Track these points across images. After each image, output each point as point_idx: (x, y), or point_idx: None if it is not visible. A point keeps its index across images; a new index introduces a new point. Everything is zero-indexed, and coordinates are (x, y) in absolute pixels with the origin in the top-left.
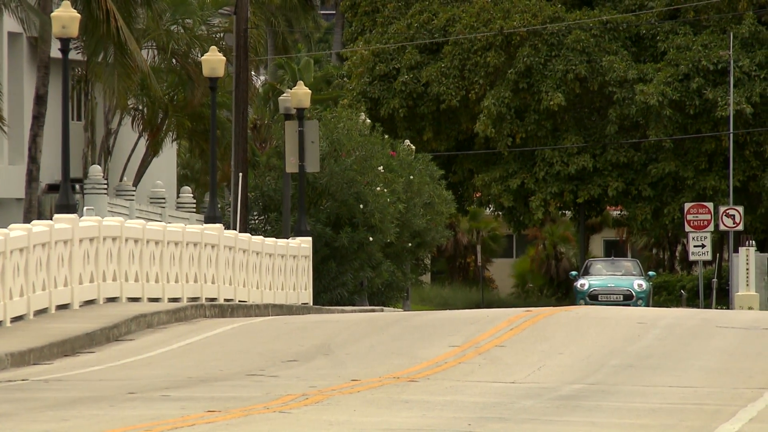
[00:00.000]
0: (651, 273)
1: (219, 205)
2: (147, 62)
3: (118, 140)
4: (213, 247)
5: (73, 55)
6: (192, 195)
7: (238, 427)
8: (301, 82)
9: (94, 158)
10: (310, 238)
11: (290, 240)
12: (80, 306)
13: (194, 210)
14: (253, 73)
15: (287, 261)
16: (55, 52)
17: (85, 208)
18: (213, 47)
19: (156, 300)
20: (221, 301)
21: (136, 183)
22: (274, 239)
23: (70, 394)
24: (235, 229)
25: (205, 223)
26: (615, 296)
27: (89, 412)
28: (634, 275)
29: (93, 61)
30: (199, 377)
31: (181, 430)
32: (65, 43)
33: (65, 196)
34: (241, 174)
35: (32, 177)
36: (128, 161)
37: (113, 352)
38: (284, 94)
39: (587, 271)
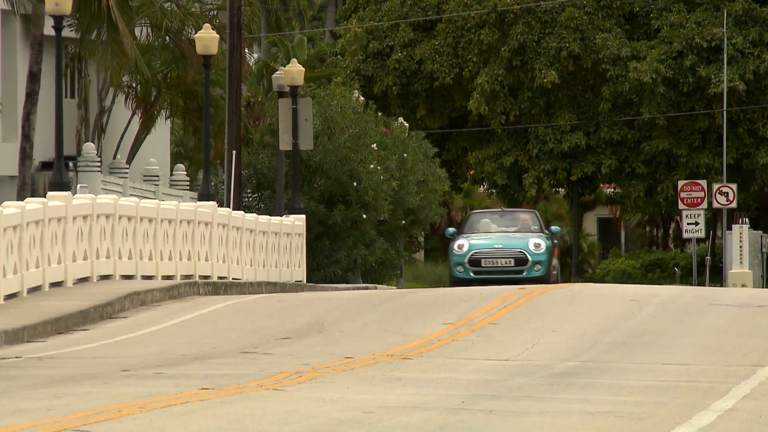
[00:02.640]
0: (554, 228)
1: (212, 183)
2: (137, 42)
3: (112, 118)
4: (206, 224)
5: (67, 32)
6: (185, 173)
7: (231, 404)
8: (295, 59)
9: (88, 136)
10: (303, 216)
11: (284, 218)
12: (74, 283)
13: (188, 188)
14: (246, 50)
15: (281, 239)
16: (48, 29)
17: (78, 185)
18: (206, 25)
19: (149, 278)
20: (215, 279)
21: (129, 161)
22: (267, 217)
23: (63, 372)
24: (229, 207)
25: (199, 200)
26: (504, 260)
27: (83, 390)
28: (531, 232)
29: (86, 39)
30: (192, 355)
31: (174, 408)
32: (58, 20)
33: (59, 173)
34: (234, 152)
35: (26, 154)
36: (122, 139)
37: (107, 329)
38: (278, 72)
39: (469, 227)
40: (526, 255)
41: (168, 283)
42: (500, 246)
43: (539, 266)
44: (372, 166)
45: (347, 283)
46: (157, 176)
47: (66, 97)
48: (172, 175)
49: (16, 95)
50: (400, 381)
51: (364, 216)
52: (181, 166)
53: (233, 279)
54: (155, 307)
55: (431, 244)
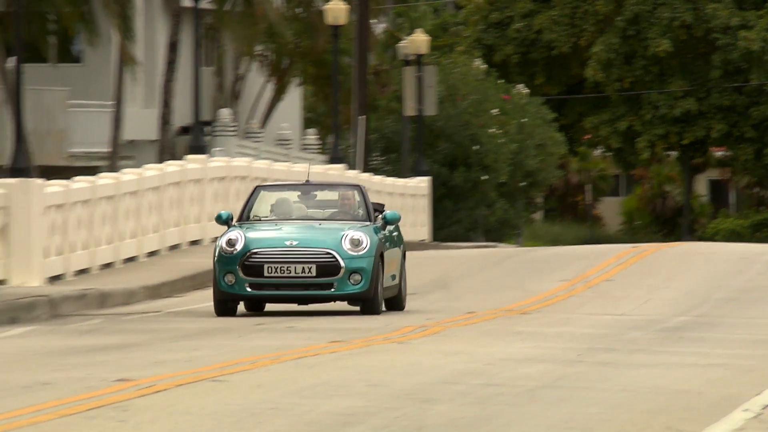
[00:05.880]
0: (390, 214)
1: (342, 147)
2: (274, 11)
3: (246, 85)
4: None
5: (204, 3)
6: (316, 137)
7: (359, 356)
8: (420, 29)
9: (223, 102)
10: (428, 178)
11: (409, 179)
12: (211, 242)
13: (318, 151)
14: (375, 20)
15: (406, 199)
16: (186, 1)
17: (215, 149)
18: None
19: None
20: None
21: (262, 126)
22: (393, 179)
23: (200, 326)
24: (357, 170)
25: (329, 163)
26: (300, 266)
27: (219, 343)
28: (351, 219)
29: (220, 10)
30: (321, 309)
31: (306, 360)
32: None
33: (196, 138)
34: (362, 117)
35: (165, 120)
36: (255, 105)
37: None
38: (403, 41)
39: (254, 209)
40: (337, 259)
41: None
42: (295, 242)
43: (358, 277)
44: (492, 130)
45: (469, 241)
46: (290, 140)
47: (203, 65)
48: (303, 139)
49: (156, 63)
50: (519, 335)
51: (483, 177)
52: (312, 130)
53: None
54: None
55: (549, 205)
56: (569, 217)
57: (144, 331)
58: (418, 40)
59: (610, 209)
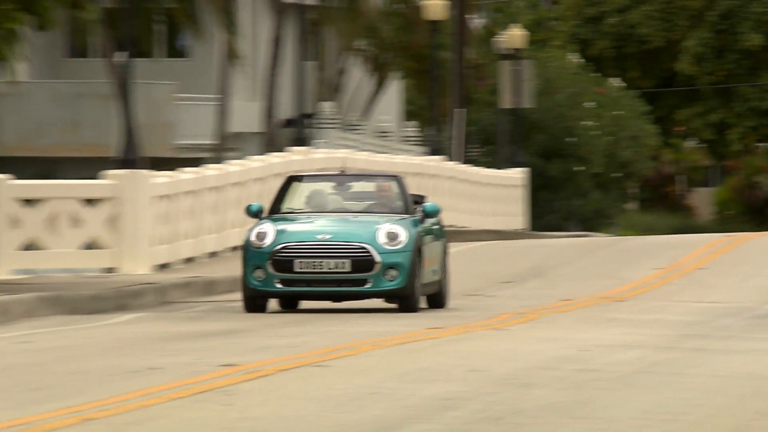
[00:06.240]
0: (429, 206)
1: (441, 139)
2: (375, 7)
3: (347, 78)
4: (434, 176)
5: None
6: (416, 129)
7: (458, 342)
8: (516, 24)
9: (325, 95)
10: (525, 169)
11: (505, 170)
12: None
13: (418, 143)
14: (474, 14)
15: (502, 190)
16: None
17: (318, 141)
18: None
19: None
20: None
21: (363, 118)
22: (490, 170)
23: (303, 312)
24: (456, 161)
25: (429, 155)
26: (333, 261)
27: (323, 329)
28: (388, 212)
29: (324, 6)
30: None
31: (406, 345)
32: None
33: (299, 130)
34: (460, 110)
35: (269, 113)
36: (356, 98)
37: None
38: (500, 36)
39: (287, 201)
40: (372, 254)
41: None
42: (328, 236)
43: (395, 273)
44: (587, 122)
45: (564, 231)
46: (390, 132)
47: (305, 59)
48: (403, 131)
49: (260, 58)
50: (614, 321)
51: (580, 168)
52: (411, 122)
53: (459, 227)
54: None
55: (643, 195)
56: (662, 207)
57: (249, 318)
58: (514, 35)
59: (703, 199)
